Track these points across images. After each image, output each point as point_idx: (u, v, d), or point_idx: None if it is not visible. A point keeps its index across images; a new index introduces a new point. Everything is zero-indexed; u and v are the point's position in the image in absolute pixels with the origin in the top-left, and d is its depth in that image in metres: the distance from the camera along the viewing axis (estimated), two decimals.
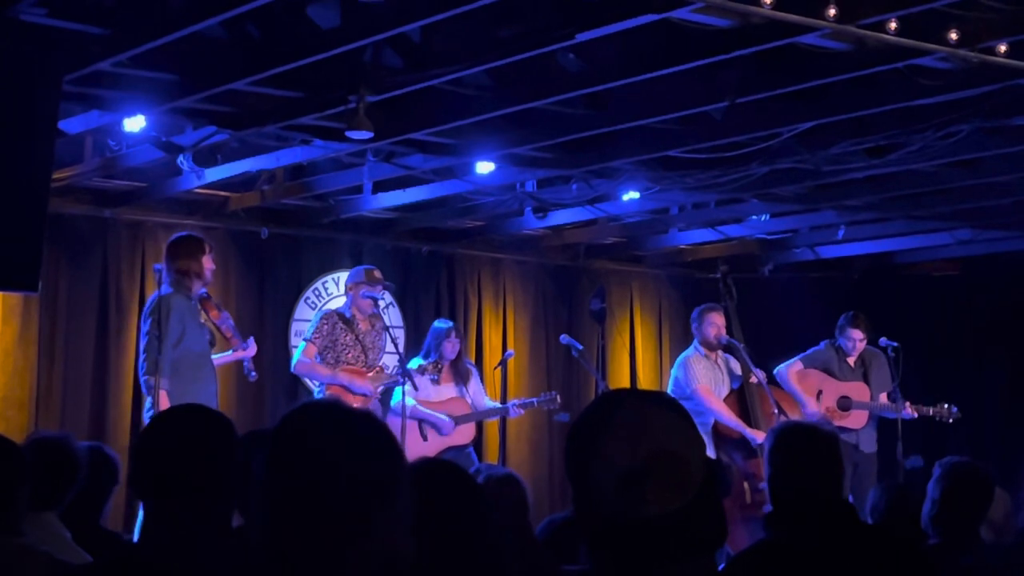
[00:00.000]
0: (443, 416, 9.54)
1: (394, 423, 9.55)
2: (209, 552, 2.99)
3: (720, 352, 9.73)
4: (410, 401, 9.43)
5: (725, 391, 9.60)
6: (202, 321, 7.99)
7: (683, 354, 9.85)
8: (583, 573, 2.27)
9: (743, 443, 9.31)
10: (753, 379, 9.51)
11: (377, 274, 9.17)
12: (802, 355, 10.11)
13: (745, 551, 3.88)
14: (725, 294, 9.80)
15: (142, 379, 7.90)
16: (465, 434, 9.69)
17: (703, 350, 9.68)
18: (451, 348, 9.66)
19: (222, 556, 3.01)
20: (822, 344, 10.16)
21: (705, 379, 9.42)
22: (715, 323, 9.63)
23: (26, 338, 9.87)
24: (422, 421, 9.55)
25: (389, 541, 2.31)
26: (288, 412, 2.43)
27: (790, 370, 9.97)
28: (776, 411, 9.40)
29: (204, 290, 8.13)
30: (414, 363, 9.65)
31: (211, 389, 7.88)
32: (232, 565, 2.92)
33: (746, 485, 9.21)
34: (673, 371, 9.73)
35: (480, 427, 11.09)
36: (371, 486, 2.30)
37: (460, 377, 9.78)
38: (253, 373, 8.44)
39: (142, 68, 6.96)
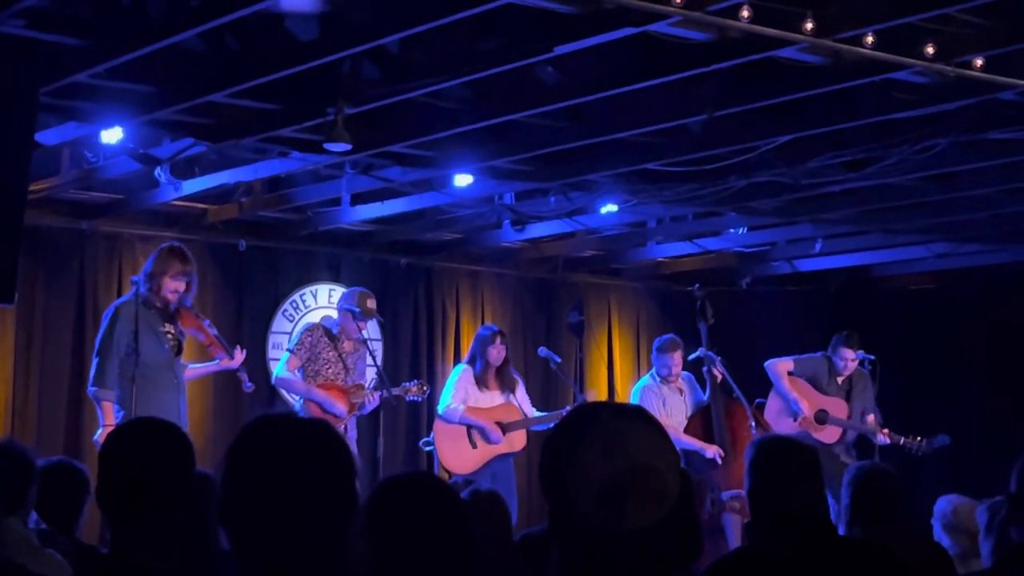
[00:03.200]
0: (492, 425, 9.50)
1: (442, 429, 9.59)
2: (175, 566, 2.98)
3: (680, 377, 10.02)
4: (446, 406, 9.51)
5: (685, 413, 9.86)
6: (163, 331, 7.91)
7: (639, 383, 10.21)
8: None
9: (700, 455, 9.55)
10: (721, 396, 9.75)
11: (371, 304, 9.07)
12: (795, 356, 10.22)
13: (723, 558, 3.88)
14: (701, 318, 9.96)
15: (90, 390, 7.85)
16: (514, 442, 9.63)
17: (658, 380, 10.02)
18: (496, 354, 9.63)
19: (190, 570, 3.00)
20: (818, 353, 10.26)
21: (656, 411, 9.56)
22: (667, 365, 10.00)
23: (1, 351, 9.81)
24: (471, 428, 9.52)
25: (343, 554, 2.31)
26: (242, 429, 2.43)
27: (781, 367, 10.10)
28: (753, 424, 9.46)
29: (188, 301, 8.08)
30: (458, 370, 9.77)
31: (171, 399, 7.81)
32: None
33: (710, 498, 9.43)
34: (633, 398, 9.92)
35: None
36: (320, 500, 2.30)
37: (506, 384, 9.73)
38: (248, 384, 8.40)
39: (120, 80, 6.94)
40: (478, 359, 9.68)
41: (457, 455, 9.50)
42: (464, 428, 9.52)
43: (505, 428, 9.53)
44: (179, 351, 8.01)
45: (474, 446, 9.50)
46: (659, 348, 10.11)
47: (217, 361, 8.37)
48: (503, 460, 9.57)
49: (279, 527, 2.29)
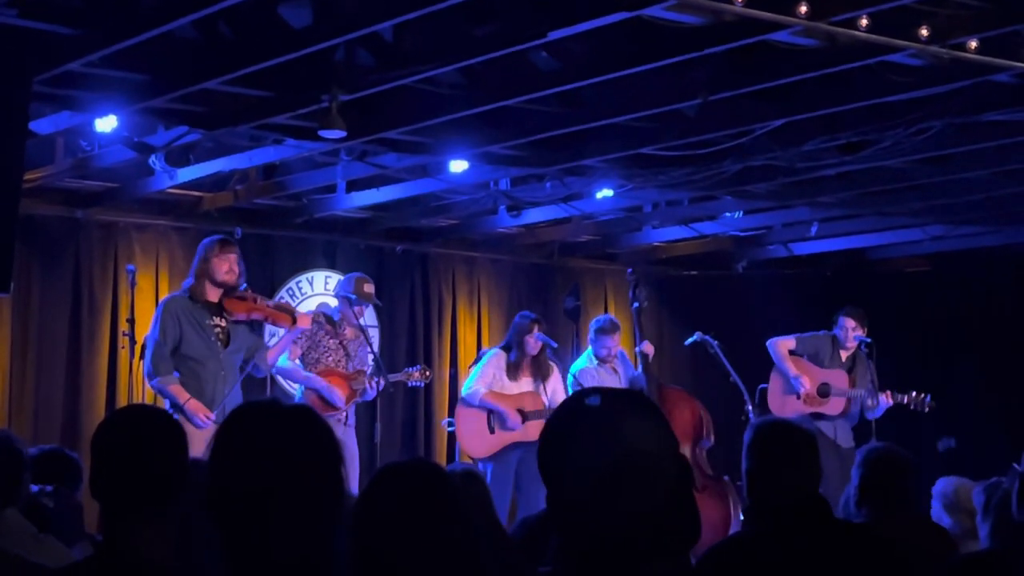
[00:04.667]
0: (511, 411, 9.46)
1: (463, 411, 9.62)
2: (170, 554, 2.98)
3: (616, 358, 10.03)
4: (469, 389, 9.54)
5: None
6: (209, 323, 7.85)
7: (576, 364, 10.14)
8: (555, 573, 2.27)
9: None
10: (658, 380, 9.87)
11: (368, 288, 8.99)
12: (798, 335, 10.23)
13: (720, 544, 3.89)
14: (634, 300, 10.00)
15: (151, 384, 7.79)
16: (531, 432, 9.44)
17: (595, 361, 10.03)
18: (533, 343, 9.59)
19: (183, 559, 3.00)
20: (822, 331, 10.26)
21: None
22: (606, 346, 9.98)
23: None
24: (491, 413, 9.49)
25: (332, 537, 2.31)
26: (226, 417, 2.44)
27: (783, 345, 10.12)
28: (750, 409, 9.51)
29: (244, 286, 7.99)
30: (490, 354, 9.78)
31: (218, 391, 7.73)
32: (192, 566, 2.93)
33: None
34: (568, 380, 9.90)
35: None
36: (303, 484, 2.31)
37: (540, 372, 9.66)
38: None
39: (113, 68, 6.93)
40: (514, 347, 9.65)
41: (473, 438, 9.51)
42: (485, 412, 9.50)
43: (526, 416, 9.47)
44: (227, 343, 7.92)
45: (492, 431, 9.48)
46: (598, 330, 10.07)
47: (285, 332, 8.30)
48: (530, 449, 9.47)
49: (263, 512, 2.29)
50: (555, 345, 10.01)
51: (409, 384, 9.41)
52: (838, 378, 10.10)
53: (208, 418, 7.57)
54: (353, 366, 8.98)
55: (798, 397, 9.98)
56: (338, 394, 8.77)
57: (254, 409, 2.45)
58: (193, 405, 7.58)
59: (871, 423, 9.85)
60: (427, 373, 9.40)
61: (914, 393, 10.02)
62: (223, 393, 7.77)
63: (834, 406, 10.03)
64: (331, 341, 8.92)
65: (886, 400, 9.97)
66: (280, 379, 9.92)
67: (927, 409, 10.09)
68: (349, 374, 8.92)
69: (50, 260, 10.16)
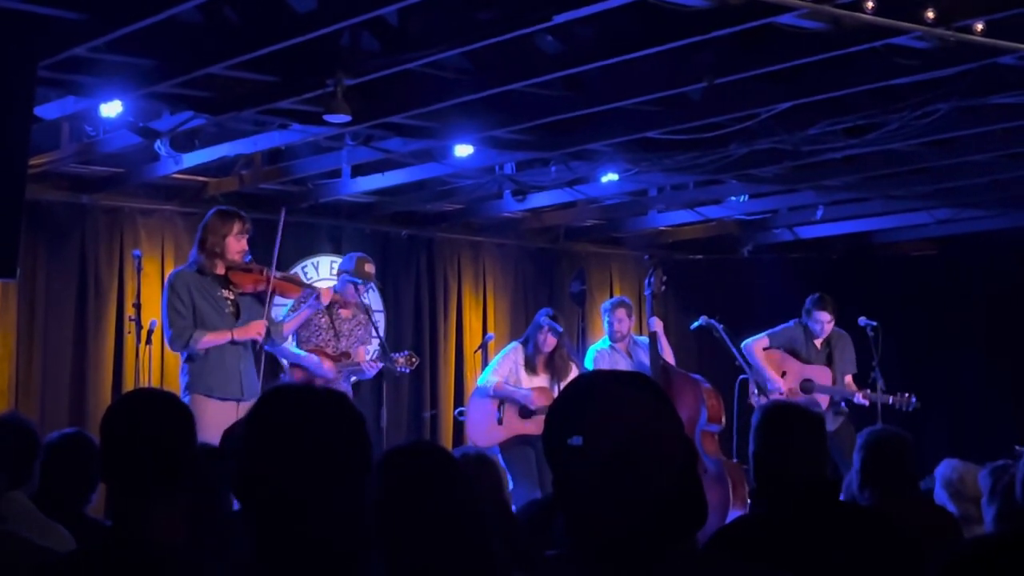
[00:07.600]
0: (528, 392, 9.47)
1: (476, 401, 9.67)
2: (178, 537, 2.99)
3: (630, 341, 10.08)
4: (485, 380, 9.60)
5: None
6: (221, 296, 7.74)
7: (593, 346, 10.27)
8: (563, 557, 2.27)
9: None
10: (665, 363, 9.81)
11: (368, 268, 8.96)
12: (769, 331, 10.17)
13: (727, 526, 3.91)
14: (649, 285, 10.00)
15: (185, 352, 7.69)
16: (542, 426, 9.44)
17: (610, 342, 10.09)
18: (542, 339, 9.62)
19: (191, 542, 3.01)
20: (791, 322, 10.21)
21: None
22: (610, 323, 10.09)
23: (4, 326, 9.83)
24: (502, 404, 9.50)
25: (358, 525, 2.31)
26: (257, 401, 2.43)
27: (756, 345, 10.07)
28: (756, 392, 9.48)
29: (249, 258, 7.92)
30: (510, 346, 9.85)
31: (233, 364, 7.66)
32: (199, 550, 2.93)
33: None
34: (586, 357, 9.99)
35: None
36: (337, 470, 2.30)
37: (553, 371, 9.66)
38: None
39: (118, 53, 6.92)
40: (530, 341, 9.69)
41: (480, 428, 9.55)
42: (495, 403, 9.51)
43: (533, 412, 9.46)
44: (237, 316, 7.79)
45: (500, 422, 9.50)
46: (604, 308, 10.26)
47: (304, 305, 8.33)
48: (536, 441, 9.47)
49: (297, 499, 2.28)
50: (560, 329, 10.01)
51: (397, 370, 9.25)
52: (821, 374, 10.05)
53: (260, 333, 7.65)
54: (343, 346, 8.94)
55: (780, 394, 9.91)
56: (326, 366, 8.76)
57: (288, 392, 2.44)
58: (240, 332, 7.64)
59: (876, 408, 9.82)
60: (413, 360, 9.18)
61: (899, 393, 9.92)
62: (239, 368, 7.68)
63: (819, 401, 9.96)
64: (322, 320, 8.90)
65: (861, 398, 9.92)
66: (276, 353, 9.94)
67: (910, 408, 9.95)
68: (335, 355, 8.87)
69: (56, 245, 10.17)
